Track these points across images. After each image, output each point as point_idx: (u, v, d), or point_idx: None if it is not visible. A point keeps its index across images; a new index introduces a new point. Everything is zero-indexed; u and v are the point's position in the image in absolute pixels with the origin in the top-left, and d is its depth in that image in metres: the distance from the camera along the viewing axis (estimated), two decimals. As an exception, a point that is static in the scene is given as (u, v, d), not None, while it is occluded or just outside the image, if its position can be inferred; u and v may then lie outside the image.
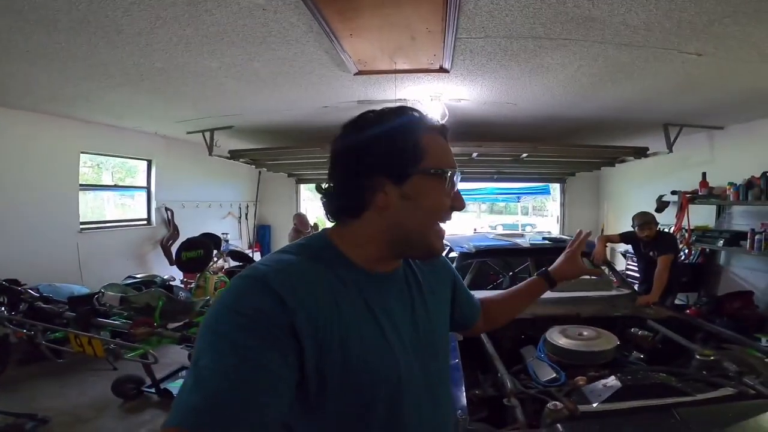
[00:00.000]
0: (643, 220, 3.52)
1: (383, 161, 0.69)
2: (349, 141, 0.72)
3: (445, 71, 2.89)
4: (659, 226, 5.03)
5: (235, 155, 4.92)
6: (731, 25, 2.01)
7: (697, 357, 1.86)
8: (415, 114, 0.74)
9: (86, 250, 4.78)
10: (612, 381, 1.62)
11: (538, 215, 15.66)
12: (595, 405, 1.52)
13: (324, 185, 0.76)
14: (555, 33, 2.24)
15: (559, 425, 1.38)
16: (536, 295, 1.13)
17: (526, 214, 16.52)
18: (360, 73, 2.94)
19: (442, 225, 0.75)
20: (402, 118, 0.72)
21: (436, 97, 3.53)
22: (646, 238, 3.53)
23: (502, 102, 3.69)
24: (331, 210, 0.75)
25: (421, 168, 0.70)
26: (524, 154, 4.67)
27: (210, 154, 4.95)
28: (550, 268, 1.13)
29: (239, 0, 1.87)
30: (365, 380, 0.66)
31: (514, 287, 1.16)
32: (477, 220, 16.00)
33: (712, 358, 1.82)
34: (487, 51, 2.54)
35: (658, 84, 3.05)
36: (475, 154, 4.74)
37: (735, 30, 2.07)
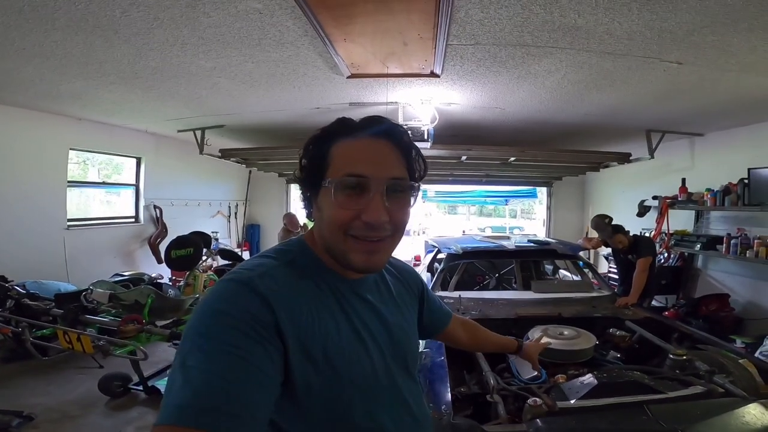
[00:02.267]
0: (595, 225, 3.79)
1: (304, 175, 0.74)
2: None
3: (436, 76, 2.96)
4: (643, 231, 5.23)
5: (226, 154, 4.92)
6: (709, 35, 2.11)
7: (671, 357, 1.94)
8: (337, 123, 0.73)
9: (73, 248, 4.73)
10: (589, 379, 1.70)
11: (526, 218, 15.85)
12: (572, 401, 1.60)
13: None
14: (542, 41, 2.32)
15: (538, 420, 1.46)
16: (502, 346, 1.34)
17: (515, 217, 16.72)
18: (353, 76, 2.99)
19: (365, 237, 0.69)
20: (322, 130, 0.73)
21: (427, 100, 3.61)
22: (620, 246, 3.67)
23: (491, 107, 3.78)
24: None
25: (325, 179, 0.69)
26: (512, 158, 4.77)
27: (201, 153, 4.95)
28: (525, 343, 1.37)
29: (237, 3, 1.91)
30: (345, 380, 0.68)
31: (494, 334, 1.33)
32: (467, 222, 16.15)
33: (684, 357, 1.90)
34: (477, 57, 2.61)
35: (640, 91, 3.16)
36: (464, 157, 4.83)
37: (713, 40, 2.17)
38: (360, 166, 0.68)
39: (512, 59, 2.62)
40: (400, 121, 3.71)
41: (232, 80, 3.09)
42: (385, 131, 0.71)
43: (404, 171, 0.72)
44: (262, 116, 4.26)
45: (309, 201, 0.76)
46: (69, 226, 4.76)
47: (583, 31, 2.14)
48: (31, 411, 2.81)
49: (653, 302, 4.75)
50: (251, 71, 2.90)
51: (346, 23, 2.16)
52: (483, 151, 4.54)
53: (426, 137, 3.68)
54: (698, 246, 4.43)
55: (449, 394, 1.68)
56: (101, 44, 2.34)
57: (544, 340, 2.15)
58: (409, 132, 3.68)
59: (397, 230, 0.72)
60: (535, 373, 2.00)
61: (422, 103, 3.63)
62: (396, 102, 3.69)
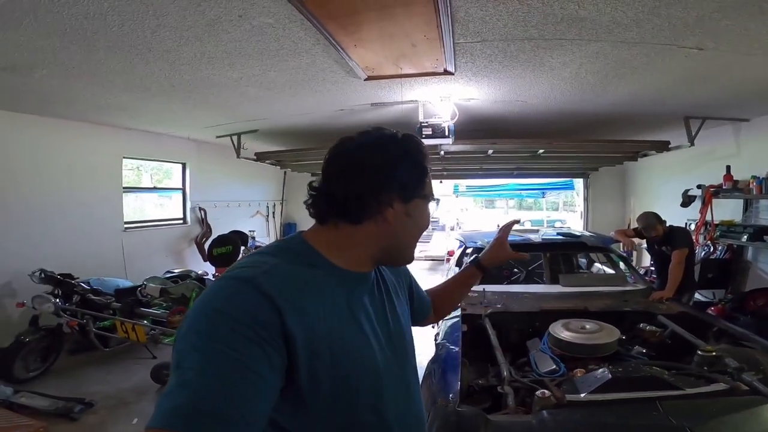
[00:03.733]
0: (645, 223, 3.52)
1: (404, 178, 0.78)
2: (374, 149, 0.78)
3: (450, 74, 3.01)
4: (688, 222, 4.95)
5: (261, 157, 5.20)
6: (722, 19, 2.02)
7: (699, 353, 1.88)
8: (422, 144, 0.85)
9: (130, 248, 5.20)
10: (602, 373, 1.68)
11: (570, 210, 15.27)
12: (582, 395, 1.59)
13: (315, 183, 0.80)
14: (549, 34, 2.31)
15: (545, 412, 1.48)
16: (471, 281, 1.24)
17: (556, 209, 16.16)
18: (369, 78, 3.10)
19: None
20: (418, 146, 0.83)
21: (446, 97, 3.65)
22: (656, 238, 3.51)
23: (512, 100, 3.75)
24: (326, 212, 0.78)
25: (422, 193, 0.82)
26: (541, 150, 4.69)
27: (238, 157, 5.26)
28: (479, 256, 1.24)
29: (251, 19, 2.08)
30: (351, 377, 0.70)
31: (451, 277, 1.29)
32: (504, 216, 15.80)
33: (713, 354, 1.83)
34: (487, 54, 2.64)
35: (666, 78, 3.03)
36: (490, 151, 4.81)
37: (728, 24, 2.07)
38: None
39: (523, 53, 2.62)
40: (421, 118, 3.79)
41: (258, 88, 3.31)
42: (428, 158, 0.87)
43: None
44: (291, 120, 4.48)
45: (370, 202, 0.76)
46: (126, 228, 5.24)
47: (588, 21, 2.11)
48: (92, 398, 3.12)
49: (698, 297, 4.52)
50: (274, 79, 3.10)
51: (354, 30, 2.28)
52: (507, 144, 4.50)
53: (447, 133, 3.73)
54: (745, 237, 4.16)
55: (458, 384, 1.72)
56: (139, 61, 2.60)
57: (566, 332, 2.15)
58: (431, 129, 3.74)
59: None
60: (554, 366, 2.03)
61: (441, 100, 3.68)
62: (416, 100, 3.77)
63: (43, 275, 3.80)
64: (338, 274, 0.75)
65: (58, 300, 3.68)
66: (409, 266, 0.98)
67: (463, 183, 10.11)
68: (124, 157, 5.23)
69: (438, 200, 0.89)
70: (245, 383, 0.55)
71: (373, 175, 0.76)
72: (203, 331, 0.58)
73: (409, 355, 0.87)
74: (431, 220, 0.90)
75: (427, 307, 1.14)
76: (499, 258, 1.24)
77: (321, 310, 0.68)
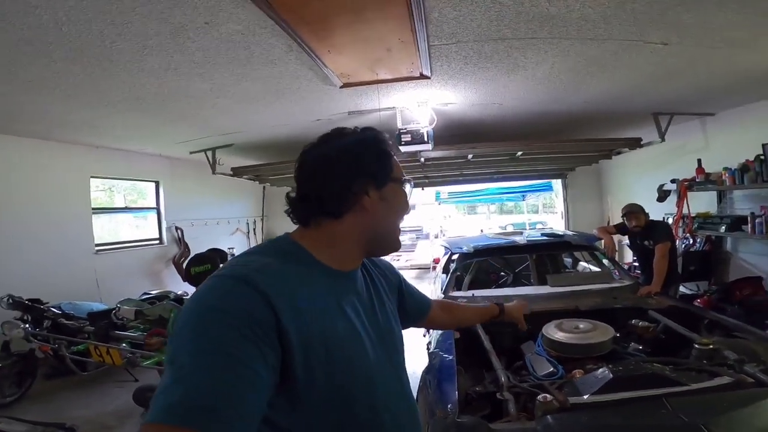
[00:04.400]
0: (628, 209, 3.58)
1: (371, 166, 0.81)
2: (338, 146, 0.81)
3: (426, 77, 2.99)
4: (666, 216, 5.05)
5: (237, 172, 5.08)
6: (684, 13, 2.06)
7: (696, 346, 1.85)
8: (384, 135, 0.87)
9: (103, 270, 5.00)
10: (603, 373, 1.63)
11: (549, 212, 15.52)
12: (585, 397, 1.54)
13: (292, 193, 0.83)
14: (521, 33, 2.32)
15: (549, 417, 1.41)
16: (486, 317, 1.38)
17: (536, 212, 16.39)
18: (345, 85, 3.06)
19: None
20: (378, 133, 0.86)
21: (424, 102, 3.64)
22: (636, 228, 3.54)
23: (489, 103, 3.77)
24: (306, 214, 0.81)
25: (392, 176, 0.83)
26: (519, 152, 4.73)
27: (213, 173, 5.14)
28: (506, 305, 1.40)
29: (218, 27, 2.01)
30: (346, 373, 0.70)
31: (472, 306, 1.41)
32: (487, 221, 15.93)
33: (711, 346, 1.81)
34: (462, 55, 2.64)
35: (635, 75, 3.10)
36: (470, 156, 4.82)
37: (690, 18, 2.12)
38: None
39: (497, 54, 2.62)
40: (399, 125, 3.76)
41: (231, 99, 3.23)
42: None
43: None
44: (267, 132, 4.41)
45: (346, 192, 0.79)
46: (98, 250, 5.03)
47: (559, 18, 2.13)
48: (73, 423, 2.91)
49: (682, 289, 4.58)
50: (247, 89, 3.02)
51: (327, 36, 2.24)
52: (487, 148, 4.51)
53: (426, 139, 3.71)
54: (723, 228, 4.25)
55: (456, 394, 1.65)
56: (100, 73, 2.49)
57: (560, 333, 2.14)
58: (410, 135, 3.72)
59: None
60: (551, 368, 1.98)
61: (419, 105, 3.67)
62: (393, 107, 3.75)
63: (11, 300, 3.68)
64: (327, 273, 0.77)
65: (27, 325, 3.57)
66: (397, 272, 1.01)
67: (445, 190, 10.16)
68: (92, 177, 5.05)
69: (410, 180, 0.89)
70: (241, 380, 0.55)
71: (343, 170, 0.79)
72: (199, 328, 0.58)
73: (399, 352, 0.89)
74: (409, 204, 0.90)
75: (424, 310, 1.18)
76: (515, 319, 1.41)
77: (313, 308, 0.69)
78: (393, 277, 1.02)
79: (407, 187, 0.88)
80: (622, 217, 3.63)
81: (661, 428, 1.33)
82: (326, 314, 0.71)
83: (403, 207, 0.87)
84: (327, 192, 0.78)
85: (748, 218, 3.92)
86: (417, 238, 14.11)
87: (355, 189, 0.79)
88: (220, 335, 0.57)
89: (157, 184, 5.99)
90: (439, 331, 2.47)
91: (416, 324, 1.18)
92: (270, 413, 0.62)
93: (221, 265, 0.88)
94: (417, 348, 3.03)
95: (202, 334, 0.57)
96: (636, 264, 4.98)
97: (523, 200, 11.71)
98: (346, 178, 0.79)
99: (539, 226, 11.11)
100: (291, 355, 0.63)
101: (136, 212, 6.27)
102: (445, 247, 4.57)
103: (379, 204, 0.81)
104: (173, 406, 0.51)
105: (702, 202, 4.78)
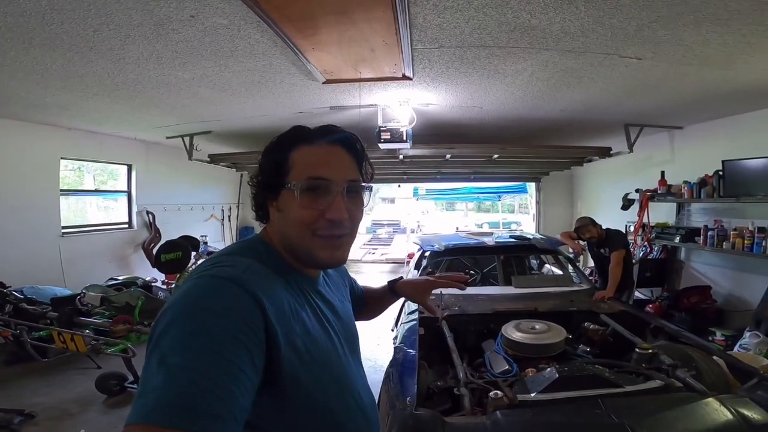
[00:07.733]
0: (579, 224, 3.83)
1: (264, 178, 0.79)
2: (261, 158, 0.82)
3: (409, 78, 3.04)
4: (628, 224, 5.30)
5: (215, 159, 5.03)
6: (659, 29, 2.16)
7: (637, 350, 1.98)
8: (294, 131, 0.80)
9: (69, 253, 4.85)
10: (550, 372, 1.75)
11: (525, 213, 15.93)
12: (532, 395, 1.65)
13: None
14: (503, 42, 2.40)
15: (498, 412, 1.52)
16: (384, 298, 1.23)
17: (512, 211, 16.80)
18: (328, 81, 3.08)
19: (329, 234, 0.76)
20: (279, 137, 0.80)
21: (405, 102, 3.70)
22: (592, 239, 3.75)
23: (469, 106, 3.86)
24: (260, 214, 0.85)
25: (286, 182, 0.75)
26: (495, 155, 4.86)
27: (190, 158, 5.04)
28: (398, 282, 1.22)
29: (203, 20, 2.00)
30: (324, 371, 0.72)
31: (373, 288, 1.26)
32: (464, 218, 16.23)
33: (650, 351, 1.94)
34: (444, 60, 2.70)
35: (609, 87, 3.23)
36: (448, 156, 4.92)
37: (665, 34, 2.23)
38: (321, 169, 0.75)
39: (478, 60, 2.70)
40: (380, 122, 3.81)
41: (212, 89, 3.19)
42: (341, 139, 0.80)
43: (358, 174, 0.81)
44: (247, 121, 4.36)
45: (263, 204, 0.81)
46: (64, 233, 4.87)
47: (539, 30, 2.21)
48: (32, 410, 2.92)
49: (638, 294, 4.84)
50: (229, 80, 3.00)
51: (312, 34, 2.25)
52: (465, 149, 4.62)
53: (405, 138, 3.77)
54: (678, 238, 4.49)
55: (415, 387, 1.73)
56: (79, 60, 2.43)
57: (517, 333, 2.24)
58: (390, 133, 3.78)
59: (354, 227, 0.81)
60: (507, 366, 2.09)
61: (400, 104, 3.72)
62: (375, 104, 3.79)
63: (-29, 284, 3.50)
64: (298, 275, 0.79)
65: (-13, 309, 3.41)
66: (355, 266, 0.96)
67: (423, 186, 10.29)
68: (62, 158, 4.87)
69: (324, 179, 0.75)
70: (232, 380, 0.55)
71: (259, 176, 0.80)
72: (191, 329, 0.57)
73: (358, 349, 0.91)
74: (333, 210, 0.75)
75: (362, 304, 1.19)
76: (413, 298, 1.21)
77: (292, 308, 0.70)
78: (344, 274, 1.05)
79: (298, 191, 0.74)
80: (575, 231, 3.83)
81: (593, 427, 1.43)
82: (301, 314, 0.72)
83: (298, 216, 0.74)
84: (255, 198, 0.82)
85: (701, 230, 4.16)
86: (394, 232, 14.24)
87: (259, 199, 0.81)
88: (213, 336, 0.56)
89: (130, 167, 5.81)
90: (406, 326, 2.56)
91: (357, 316, 1.13)
92: (256, 420, 0.62)
93: (200, 262, 0.91)
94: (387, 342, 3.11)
95: (194, 334, 0.56)
96: (598, 269, 5.25)
97: (499, 200, 11.98)
98: (256, 187, 0.82)
99: (513, 226, 11.40)
100: (279, 355, 0.63)
101: (106, 195, 6.09)
102: (418, 244, 4.68)
103: (277, 215, 0.78)
104: (167, 407, 0.50)
105: (662, 213, 5.02)
